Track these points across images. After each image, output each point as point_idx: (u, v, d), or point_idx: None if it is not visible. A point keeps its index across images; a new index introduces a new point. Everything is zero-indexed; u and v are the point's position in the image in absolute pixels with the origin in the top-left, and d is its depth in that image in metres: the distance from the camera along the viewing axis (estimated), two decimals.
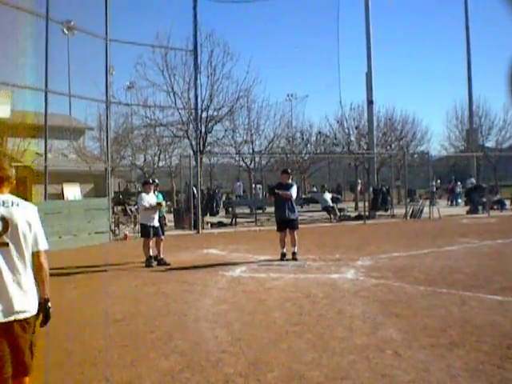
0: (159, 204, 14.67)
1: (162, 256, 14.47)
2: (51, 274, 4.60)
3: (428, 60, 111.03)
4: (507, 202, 33.09)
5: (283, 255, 14.41)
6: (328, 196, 28.56)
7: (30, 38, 20.73)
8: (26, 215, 4.39)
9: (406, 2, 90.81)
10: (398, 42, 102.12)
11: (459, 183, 38.91)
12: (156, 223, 14.47)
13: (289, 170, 15.55)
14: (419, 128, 44.10)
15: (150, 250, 14.26)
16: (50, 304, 4.39)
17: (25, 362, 4.24)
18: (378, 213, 29.20)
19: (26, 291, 4.23)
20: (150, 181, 15.54)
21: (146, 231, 14.40)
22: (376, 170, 34.01)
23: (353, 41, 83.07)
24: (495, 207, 31.48)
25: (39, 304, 4.33)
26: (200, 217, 23.86)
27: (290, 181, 14.96)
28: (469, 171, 38.92)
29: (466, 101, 42.46)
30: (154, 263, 14.18)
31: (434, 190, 32.92)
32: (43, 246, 4.51)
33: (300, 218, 27.94)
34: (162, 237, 14.78)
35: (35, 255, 4.42)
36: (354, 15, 79.56)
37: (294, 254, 14.34)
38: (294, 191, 14.62)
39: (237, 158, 35.66)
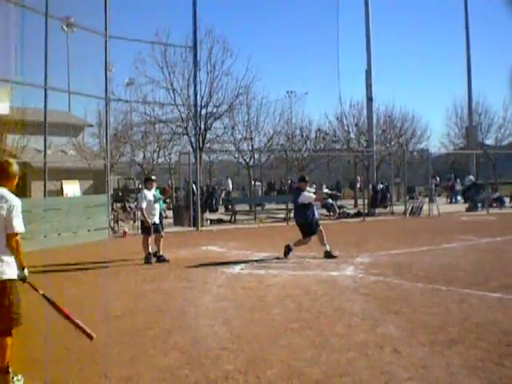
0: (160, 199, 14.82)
1: (161, 253, 14.47)
2: (51, 271, 4.75)
3: (428, 57, 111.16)
4: (506, 200, 33.11)
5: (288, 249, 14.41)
6: (325, 190, 28.56)
7: (29, 34, 20.74)
8: (9, 205, 5.80)
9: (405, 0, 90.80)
10: (397, 39, 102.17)
11: (458, 180, 38.90)
12: (157, 220, 14.48)
13: (307, 178, 15.13)
14: (419, 125, 44.11)
15: (150, 247, 14.26)
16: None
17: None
18: (377, 210, 29.24)
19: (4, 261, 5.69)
20: (153, 177, 15.49)
21: (146, 228, 14.40)
22: (375, 168, 34.04)
23: (352, 38, 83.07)
24: (494, 205, 31.51)
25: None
26: (199, 214, 23.87)
27: (307, 187, 14.75)
28: (468, 169, 38.94)
29: (466, 98, 42.52)
30: (153, 260, 14.18)
31: (434, 187, 32.92)
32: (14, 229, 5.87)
33: None
34: (162, 233, 14.76)
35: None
36: (354, 12, 79.55)
37: (325, 252, 14.23)
38: (302, 198, 14.41)
39: (236, 155, 35.62)
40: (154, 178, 15.45)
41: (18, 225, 5.72)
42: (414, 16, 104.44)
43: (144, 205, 14.26)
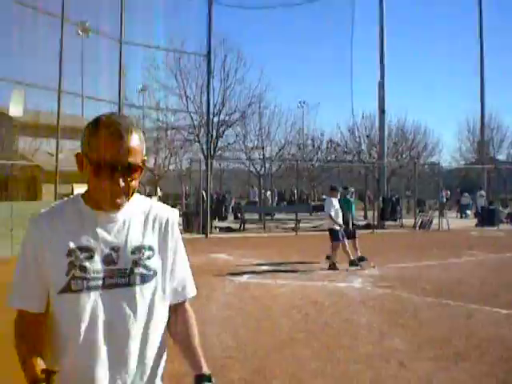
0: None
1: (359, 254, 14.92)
2: None
3: (441, 71, 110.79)
4: None
5: None
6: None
7: (45, 38, 20.89)
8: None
9: (419, 12, 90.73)
10: (410, 51, 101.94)
11: (466, 194, 38.61)
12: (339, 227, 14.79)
13: None
14: (430, 139, 44.02)
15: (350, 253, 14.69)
16: None
17: None
18: (386, 223, 29.15)
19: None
20: (337, 187, 15.95)
21: (336, 235, 14.60)
22: (386, 180, 33.98)
23: (366, 49, 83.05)
24: (505, 220, 31.32)
25: None
26: (208, 221, 23.90)
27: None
28: (479, 183, 38.76)
29: (478, 113, 42.40)
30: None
31: (444, 201, 32.76)
32: None
33: (309, 225, 28.13)
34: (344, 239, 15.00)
35: None
36: (368, 24, 79.57)
37: None
38: None
39: (247, 164, 35.68)
40: (338, 187, 15.98)
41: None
42: (428, 29, 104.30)
43: (333, 212, 14.54)
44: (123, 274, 2.08)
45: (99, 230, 2.09)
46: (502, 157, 47.30)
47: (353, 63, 38.75)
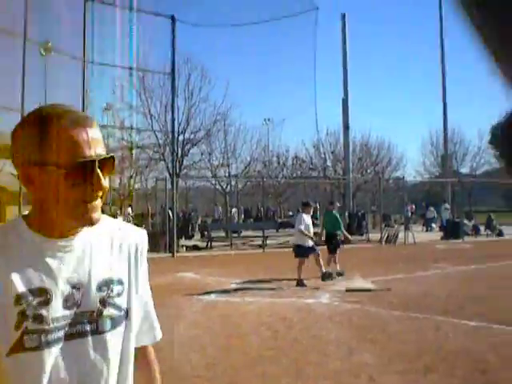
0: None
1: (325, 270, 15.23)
2: None
3: (404, 86, 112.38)
4: (481, 228, 33.30)
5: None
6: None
7: (7, 57, 20.70)
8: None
9: (382, 28, 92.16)
10: (374, 67, 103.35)
11: (432, 208, 39.06)
12: (311, 243, 15.01)
13: None
14: (394, 154, 44.59)
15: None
16: None
17: None
18: (353, 237, 29.25)
19: None
20: (310, 203, 16.02)
21: (301, 251, 14.79)
22: (352, 195, 34.20)
23: (330, 66, 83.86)
24: (470, 232, 31.68)
25: None
26: (175, 240, 23.76)
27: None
28: (443, 197, 39.21)
29: (441, 127, 43.02)
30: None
31: (409, 215, 33.06)
32: None
33: (276, 241, 28.14)
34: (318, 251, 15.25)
35: None
36: (331, 41, 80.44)
37: None
38: None
39: (213, 182, 35.69)
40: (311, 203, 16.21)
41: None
42: (391, 45, 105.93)
43: (302, 227, 14.72)
44: (90, 318, 1.59)
45: (53, 263, 1.56)
46: (465, 170, 48.08)
47: (316, 80, 39.02)
